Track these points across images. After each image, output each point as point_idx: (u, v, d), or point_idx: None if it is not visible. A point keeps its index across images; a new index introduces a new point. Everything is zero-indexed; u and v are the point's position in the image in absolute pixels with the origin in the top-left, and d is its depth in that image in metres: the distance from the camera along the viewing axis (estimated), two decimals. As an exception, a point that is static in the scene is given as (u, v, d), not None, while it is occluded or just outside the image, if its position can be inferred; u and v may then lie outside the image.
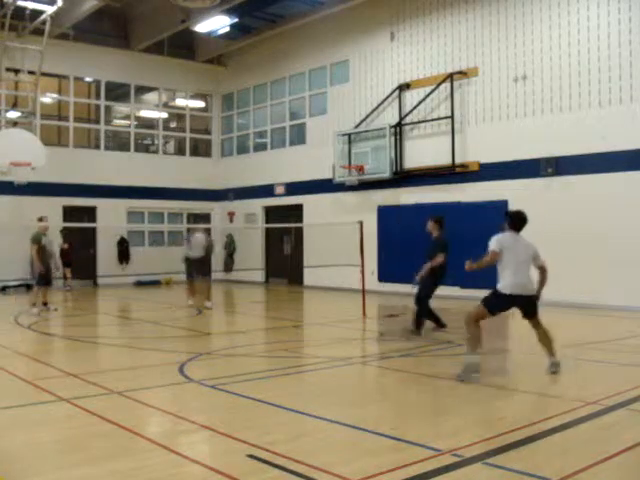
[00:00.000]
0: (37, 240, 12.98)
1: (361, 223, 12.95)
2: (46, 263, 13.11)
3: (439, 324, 10.22)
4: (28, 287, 18.92)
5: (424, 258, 10.04)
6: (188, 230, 15.81)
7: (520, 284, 6.79)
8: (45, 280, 13.18)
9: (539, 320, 7.08)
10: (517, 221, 7.02)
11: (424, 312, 10.01)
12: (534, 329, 7.14)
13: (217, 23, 19.06)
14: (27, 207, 18.48)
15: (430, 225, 10.20)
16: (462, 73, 16.16)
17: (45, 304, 13.33)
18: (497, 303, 6.91)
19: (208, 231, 16.28)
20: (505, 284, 6.81)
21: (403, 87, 17.50)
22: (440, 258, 9.76)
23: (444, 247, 9.90)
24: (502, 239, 6.93)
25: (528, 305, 6.94)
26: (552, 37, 14.58)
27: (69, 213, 19.55)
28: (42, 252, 12.99)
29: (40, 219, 13.41)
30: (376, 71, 18.30)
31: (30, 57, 18.09)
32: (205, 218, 23.28)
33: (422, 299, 10.02)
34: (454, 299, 13.98)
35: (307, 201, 20.08)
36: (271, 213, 21.92)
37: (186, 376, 7.10)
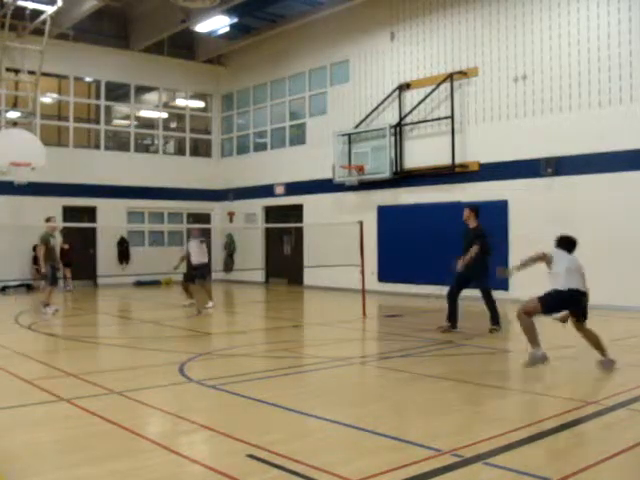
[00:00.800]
0: (45, 240, 12.99)
1: (361, 223, 12.95)
2: (53, 263, 13.11)
3: (453, 325, 10.10)
4: (28, 287, 18.95)
5: (461, 251, 9.89)
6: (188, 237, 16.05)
7: (575, 282, 7.07)
8: (56, 280, 13.26)
9: (585, 326, 7.37)
10: (566, 243, 7.49)
11: (492, 304, 9.89)
12: (582, 333, 7.41)
13: (217, 23, 19.05)
14: (27, 207, 18.50)
15: (467, 213, 10.06)
16: (462, 73, 16.16)
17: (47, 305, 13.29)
18: (554, 302, 7.09)
19: (206, 231, 16.31)
20: (562, 284, 7.06)
21: (403, 87, 17.49)
22: (475, 249, 9.68)
23: (481, 237, 9.80)
24: (554, 250, 7.42)
25: (584, 304, 7.16)
26: (552, 37, 14.57)
27: (69, 213, 19.55)
28: (50, 253, 13.01)
29: (48, 219, 13.41)
30: (376, 71, 18.30)
31: (30, 57, 18.08)
32: (205, 218, 23.28)
33: (486, 291, 9.93)
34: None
35: (307, 201, 20.07)
36: (271, 213, 21.92)
37: (186, 376, 7.10)
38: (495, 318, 9.99)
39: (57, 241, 13.44)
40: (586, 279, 7.29)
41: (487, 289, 10.04)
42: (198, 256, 14.09)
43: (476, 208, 10.20)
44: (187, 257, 14.38)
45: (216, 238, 23.34)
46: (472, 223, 10.04)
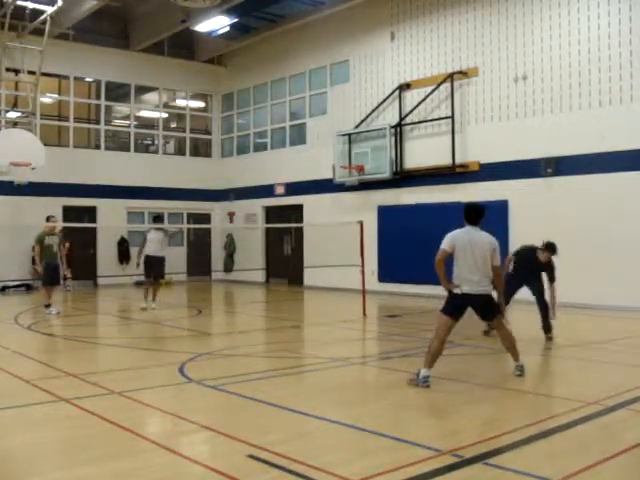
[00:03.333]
0: (40, 240, 12.88)
1: (361, 223, 12.96)
2: (51, 263, 12.99)
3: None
4: (28, 287, 18.94)
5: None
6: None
7: (473, 282, 6.50)
8: (51, 280, 13.13)
9: (500, 322, 6.90)
10: (468, 215, 6.69)
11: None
12: (496, 331, 7.02)
13: (217, 23, 19.05)
14: (27, 207, 18.49)
15: (546, 258, 9.13)
16: (462, 73, 16.16)
17: (48, 305, 13.21)
18: (454, 305, 6.63)
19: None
20: (457, 283, 6.59)
21: (403, 87, 17.49)
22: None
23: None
24: (456, 236, 6.66)
25: (483, 306, 6.70)
26: (552, 37, 14.58)
27: (69, 213, 19.54)
28: (46, 252, 12.88)
29: (48, 218, 13.21)
30: (376, 71, 18.29)
31: (30, 57, 18.06)
32: (205, 218, 23.28)
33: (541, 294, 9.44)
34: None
35: (307, 201, 20.07)
36: (271, 213, 21.91)
37: (186, 376, 7.10)
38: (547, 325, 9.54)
39: (55, 240, 13.18)
40: (497, 260, 6.55)
41: (542, 293, 9.51)
42: (157, 247, 13.73)
43: (552, 247, 9.20)
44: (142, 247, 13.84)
45: (216, 238, 23.35)
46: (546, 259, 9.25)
